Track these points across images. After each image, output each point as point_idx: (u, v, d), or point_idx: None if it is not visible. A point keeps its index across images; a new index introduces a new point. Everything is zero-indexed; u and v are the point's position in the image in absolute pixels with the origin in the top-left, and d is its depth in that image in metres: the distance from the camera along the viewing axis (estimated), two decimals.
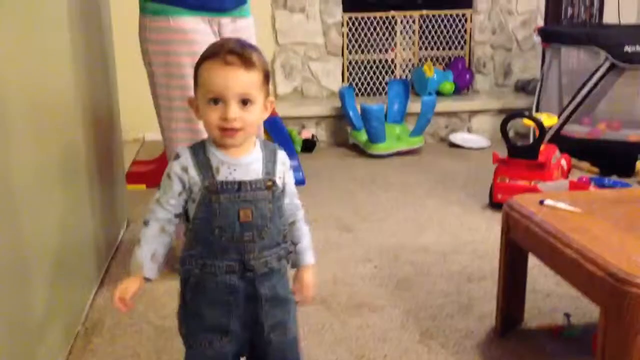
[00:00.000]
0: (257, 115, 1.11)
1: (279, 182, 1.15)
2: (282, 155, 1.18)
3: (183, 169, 1.11)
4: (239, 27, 1.97)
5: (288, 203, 1.20)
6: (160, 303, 1.89)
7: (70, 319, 1.68)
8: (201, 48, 1.85)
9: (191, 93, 1.88)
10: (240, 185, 1.10)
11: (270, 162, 1.15)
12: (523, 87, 4.16)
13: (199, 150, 1.13)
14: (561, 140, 3.16)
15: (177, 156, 1.13)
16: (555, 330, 1.70)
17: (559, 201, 1.57)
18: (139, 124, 3.61)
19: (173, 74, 1.89)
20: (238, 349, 1.18)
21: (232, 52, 1.08)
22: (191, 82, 1.83)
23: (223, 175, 1.10)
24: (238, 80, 1.07)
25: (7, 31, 1.31)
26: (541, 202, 1.57)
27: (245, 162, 1.13)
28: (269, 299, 1.14)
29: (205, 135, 1.85)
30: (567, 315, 1.72)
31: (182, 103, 1.89)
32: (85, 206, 1.90)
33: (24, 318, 1.32)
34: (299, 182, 2.88)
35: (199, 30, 1.88)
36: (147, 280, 1.14)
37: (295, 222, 1.22)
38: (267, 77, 1.13)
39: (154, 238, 1.14)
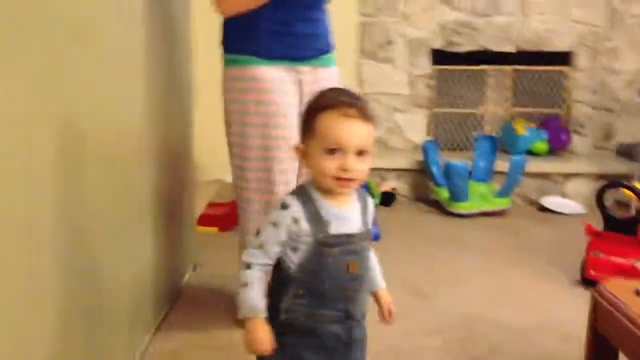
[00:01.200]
0: (368, 165, 1.14)
1: (370, 218, 1.21)
2: (370, 200, 1.23)
3: (294, 220, 1.13)
4: (320, 76, 1.91)
5: None
6: (212, 358, 1.80)
7: None
8: (276, 97, 1.83)
9: (267, 141, 1.84)
10: (349, 237, 1.14)
11: (365, 212, 1.20)
12: (626, 152, 3.85)
13: (306, 200, 1.15)
14: None
15: (286, 206, 1.14)
16: None
17: None
18: (218, 165, 3.61)
19: (247, 123, 1.85)
20: None
21: (351, 105, 1.12)
22: (267, 131, 1.81)
23: (334, 228, 1.13)
24: (359, 132, 1.11)
25: (83, 62, 1.31)
26: (638, 292, 1.37)
27: (350, 214, 1.17)
28: (358, 342, 1.20)
29: (276, 187, 1.81)
30: None
31: (256, 152, 1.84)
32: (147, 247, 1.86)
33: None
34: (374, 238, 2.75)
35: (275, 79, 1.84)
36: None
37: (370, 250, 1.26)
38: (375, 129, 1.17)
39: (260, 280, 1.15)
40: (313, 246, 1.12)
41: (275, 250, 1.15)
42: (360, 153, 1.12)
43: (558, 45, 3.86)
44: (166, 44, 2.05)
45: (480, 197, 3.41)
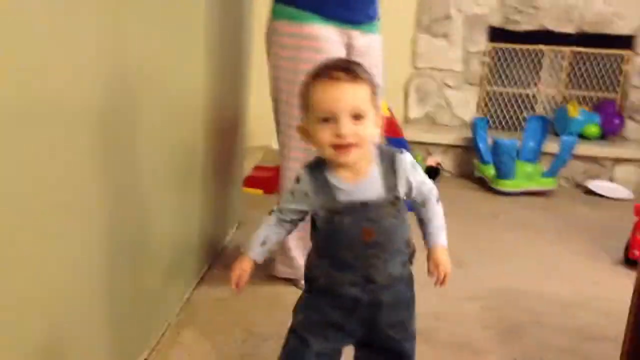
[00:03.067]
0: (369, 130, 1.09)
1: (402, 191, 1.14)
2: (401, 159, 1.15)
3: (304, 193, 1.15)
4: (369, 41, 1.92)
5: (417, 194, 1.18)
6: (255, 307, 1.86)
7: (166, 309, 1.70)
8: (331, 56, 1.84)
9: None
10: (362, 205, 1.12)
11: (390, 176, 1.14)
12: None
13: (318, 173, 1.14)
14: None
15: (298, 179, 1.16)
16: None
17: None
18: (265, 131, 3.66)
19: (297, 81, 1.87)
20: (351, 341, 1.23)
21: (337, 68, 1.09)
22: None
23: (344, 196, 1.12)
24: (347, 94, 1.07)
25: (146, 27, 1.35)
26: None
27: (363, 186, 1.12)
28: (391, 304, 1.17)
29: None
30: None
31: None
32: (195, 204, 1.92)
33: (120, 303, 1.34)
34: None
35: (329, 39, 1.85)
36: (255, 262, 1.23)
37: (426, 203, 1.21)
38: (374, 91, 1.11)
39: (270, 227, 1.22)
40: (326, 215, 1.13)
41: (290, 216, 1.20)
42: (357, 117, 1.07)
43: (621, 28, 3.76)
44: (226, 9, 2.08)
45: (527, 176, 3.38)
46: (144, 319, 1.51)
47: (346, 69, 1.08)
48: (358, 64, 1.12)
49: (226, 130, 2.24)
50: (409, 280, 1.22)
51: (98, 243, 1.21)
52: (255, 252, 1.23)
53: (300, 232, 1.62)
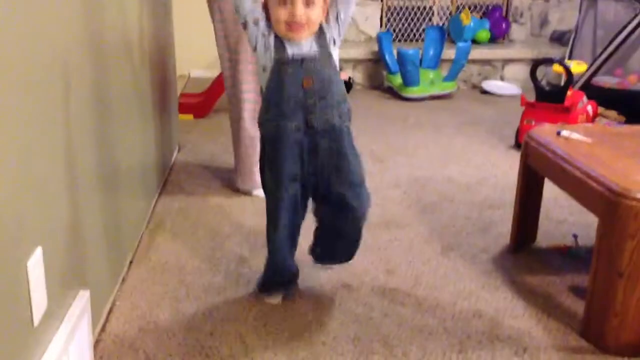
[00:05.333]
0: (318, 14, 1.37)
1: (332, 44, 1.41)
2: (325, 26, 1.41)
3: (263, 34, 1.39)
4: None
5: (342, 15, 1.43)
6: (213, 213, 2.14)
7: (137, 220, 1.94)
8: None
9: None
10: (303, 59, 1.38)
11: (321, 38, 1.40)
12: (559, 38, 4.24)
13: (272, 31, 1.39)
14: (591, 89, 3.27)
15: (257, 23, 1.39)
16: (563, 249, 1.89)
17: (574, 132, 1.75)
18: (185, 61, 3.81)
19: (240, 30, 2.08)
20: (306, 192, 1.49)
21: None
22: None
23: (290, 52, 1.38)
24: None
25: None
26: (558, 133, 1.75)
27: (306, 44, 1.39)
28: (327, 150, 1.43)
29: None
30: (575, 236, 1.91)
31: (251, 58, 2.08)
32: (150, 130, 2.13)
33: (98, 218, 1.52)
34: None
35: None
36: None
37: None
38: None
39: None
40: (275, 65, 1.38)
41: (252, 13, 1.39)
42: (309, 3, 1.34)
43: None
44: None
45: (430, 82, 3.76)
46: (122, 229, 1.74)
47: None
48: None
49: (160, 62, 2.42)
50: (346, 133, 1.46)
51: (67, 165, 1.28)
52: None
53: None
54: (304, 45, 1.39)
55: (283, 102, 1.39)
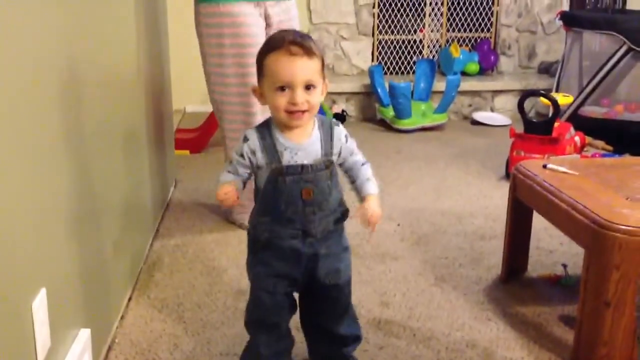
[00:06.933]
0: (318, 97, 1.26)
1: (336, 158, 1.31)
2: (338, 131, 1.32)
3: (252, 151, 1.28)
4: (284, 8, 2.22)
5: (348, 161, 1.35)
6: (210, 248, 2.17)
7: (135, 258, 1.97)
8: (249, 29, 2.13)
9: (243, 69, 2.12)
10: (302, 168, 1.26)
11: (327, 142, 1.30)
12: (546, 69, 4.34)
13: (265, 133, 1.28)
14: (578, 120, 3.35)
15: (246, 139, 1.28)
16: (553, 279, 1.93)
17: (560, 166, 1.80)
18: (180, 95, 3.88)
19: (225, 54, 2.15)
20: (296, 290, 1.40)
21: (294, 43, 1.22)
22: (243, 60, 2.10)
23: (287, 159, 1.26)
24: (303, 68, 1.22)
25: (89, 16, 1.50)
26: (544, 166, 1.81)
27: (306, 145, 1.28)
28: (326, 255, 1.33)
29: (253, 109, 2.13)
30: (564, 266, 1.95)
31: (234, 79, 2.15)
32: (144, 167, 2.17)
33: (98, 257, 1.57)
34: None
35: (247, 14, 2.13)
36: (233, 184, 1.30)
37: (354, 166, 1.37)
38: (323, 63, 1.28)
39: (230, 174, 1.33)
40: (269, 174, 1.26)
41: (241, 171, 1.30)
42: (309, 87, 1.22)
43: None
44: None
45: (421, 114, 3.84)
46: (121, 266, 1.78)
47: (302, 45, 1.22)
48: (311, 39, 1.27)
49: (156, 97, 2.48)
50: (341, 234, 1.38)
51: (66, 210, 1.30)
52: (230, 178, 1.31)
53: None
54: (306, 146, 1.28)
55: (280, 211, 1.28)
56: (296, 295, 1.43)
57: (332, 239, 1.35)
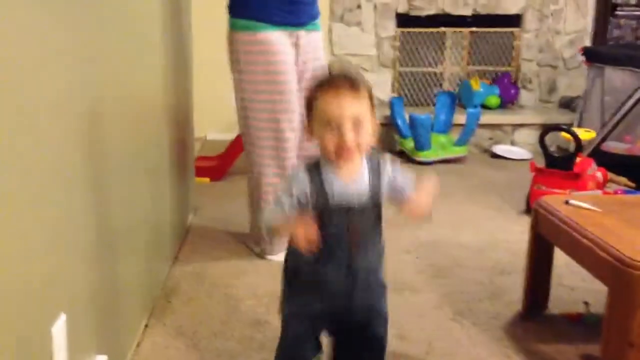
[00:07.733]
0: (367, 135, 1.23)
1: (384, 192, 1.30)
2: (385, 165, 1.31)
3: (303, 192, 1.26)
4: (312, 38, 2.28)
5: (397, 184, 1.32)
6: (228, 276, 2.17)
7: (152, 284, 1.97)
8: (283, 57, 2.16)
9: (275, 95, 2.15)
10: (349, 208, 1.26)
11: (375, 177, 1.28)
12: (567, 104, 4.32)
13: (314, 173, 1.27)
14: (601, 156, 3.31)
15: (295, 178, 1.28)
16: (575, 316, 1.90)
17: (583, 202, 1.78)
18: (201, 123, 3.91)
19: (258, 81, 2.19)
20: (329, 327, 1.39)
21: (342, 80, 1.23)
22: (277, 87, 2.13)
23: (334, 197, 1.25)
24: (350, 106, 1.20)
25: (114, 42, 1.52)
26: (567, 202, 1.79)
27: (354, 181, 1.26)
28: (364, 290, 1.31)
29: (282, 125, 2.15)
30: (586, 303, 1.91)
31: (266, 105, 2.19)
32: (165, 194, 2.19)
33: (116, 283, 1.57)
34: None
35: (280, 42, 2.19)
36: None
37: (405, 186, 1.34)
38: (372, 100, 1.26)
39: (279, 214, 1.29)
40: (317, 214, 1.25)
41: (288, 209, 1.26)
42: (357, 124, 1.20)
43: (509, 8, 4.28)
44: (174, 24, 2.34)
45: (441, 146, 3.83)
46: (139, 293, 1.78)
47: (350, 81, 1.22)
48: (360, 76, 1.26)
49: (180, 125, 2.51)
50: (380, 270, 1.36)
51: (86, 236, 1.31)
52: (280, 215, 1.27)
53: None
54: (353, 184, 1.26)
55: (324, 246, 1.24)
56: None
57: (372, 275, 1.33)
